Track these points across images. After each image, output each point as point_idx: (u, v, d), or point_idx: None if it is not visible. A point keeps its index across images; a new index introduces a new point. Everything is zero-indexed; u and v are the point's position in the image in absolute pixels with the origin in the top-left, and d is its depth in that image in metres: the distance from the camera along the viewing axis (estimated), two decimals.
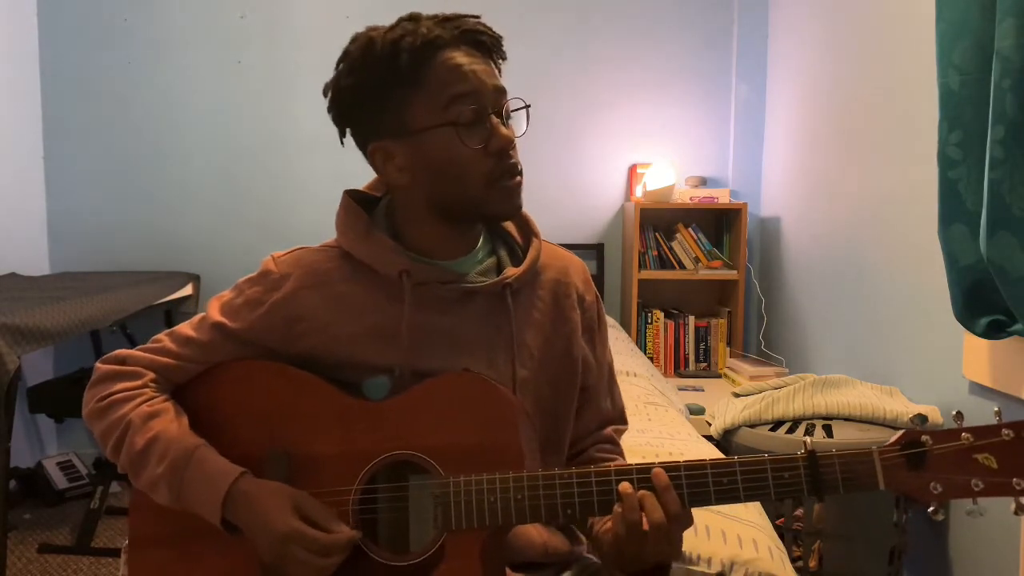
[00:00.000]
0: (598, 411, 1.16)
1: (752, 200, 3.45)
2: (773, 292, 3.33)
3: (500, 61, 1.03)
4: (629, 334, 3.26)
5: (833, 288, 2.78)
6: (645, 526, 0.89)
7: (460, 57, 0.98)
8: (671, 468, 0.92)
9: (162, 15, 3.43)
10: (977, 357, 1.87)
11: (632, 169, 3.49)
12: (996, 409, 0.88)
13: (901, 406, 2.06)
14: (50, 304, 2.32)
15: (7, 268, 3.10)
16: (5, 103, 3.20)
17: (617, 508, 0.90)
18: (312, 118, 3.41)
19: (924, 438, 0.87)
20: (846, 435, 2.00)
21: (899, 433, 0.89)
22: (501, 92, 1.01)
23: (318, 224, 3.34)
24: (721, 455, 1.87)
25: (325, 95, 1.05)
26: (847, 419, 2.06)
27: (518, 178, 1.02)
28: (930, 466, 0.86)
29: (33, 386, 2.94)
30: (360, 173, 1.14)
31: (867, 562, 1.93)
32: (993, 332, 1.71)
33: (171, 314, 3.29)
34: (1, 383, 2.04)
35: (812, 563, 1.95)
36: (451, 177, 0.99)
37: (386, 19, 1.06)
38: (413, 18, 1.00)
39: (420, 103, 0.98)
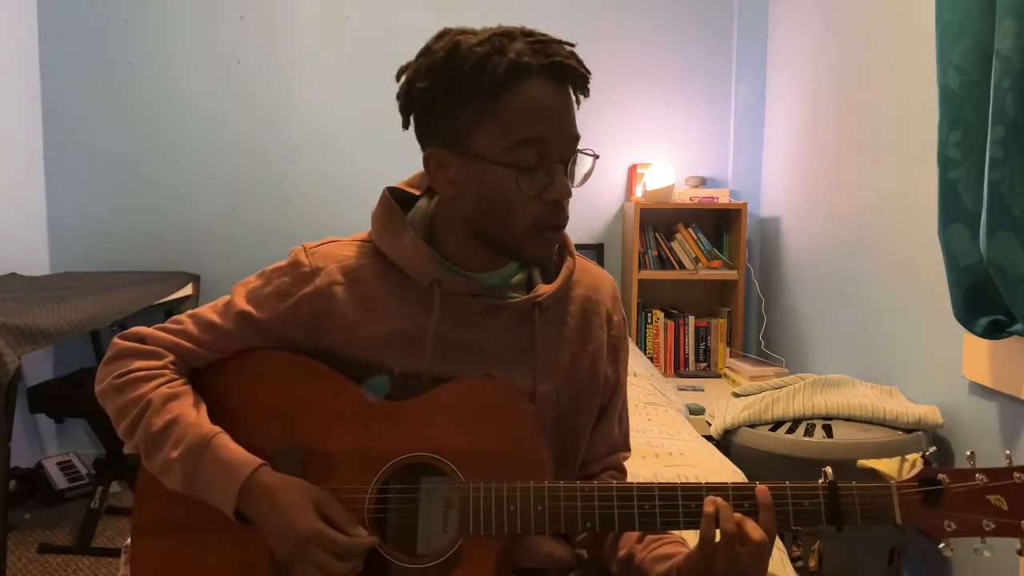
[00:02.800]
0: (609, 434, 1.15)
1: (752, 200, 3.45)
2: (773, 292, 3.33)
3: (583, 98, 0.99)
4: (629, 334, 3.26)
5: (833, 288, 2.78)
6: (738, 548, 0.87)
7: (541, 94, 0.94)
8: (692, 489, 0.91)
9: (162, 15, 3.43)
10: (977, 357, 1.87)
11: (632, 169, 3.49)
12: (1007, 452, 0.92)
13: (901, 406, 2.06)
14: (50, 304, 2.32)
15: (7, 268, 3.10)
16: (5, 103, 3.19)
17: (711, 524, 0.89)
18: (312, 118, 3.41)
19: (941, 476, 0.90)
20: (846, 435, 2.00)
21: (917, 470, 0.92)
22: (574, 140, 0.98)
23: (318, 223, 3.38)
24: (724, 457, 1.87)
25: (398, 80, 1.02)
26: (847, 419, 2.07)
27: (562, 231, 1.00)
28: (945, 504, 0.89)
29: (33, 386, 2.94)
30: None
31: (867, 562, 1.93)
32: (993, 332, 1.71)
33: (171, 314, 3.27)
34: (1, 383, 2.04)
35: (812, 563, 1.95)
36: (497, 212, 0.97)
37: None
38: (506, 34, 0.95)
39: (488, 131, 0.94)
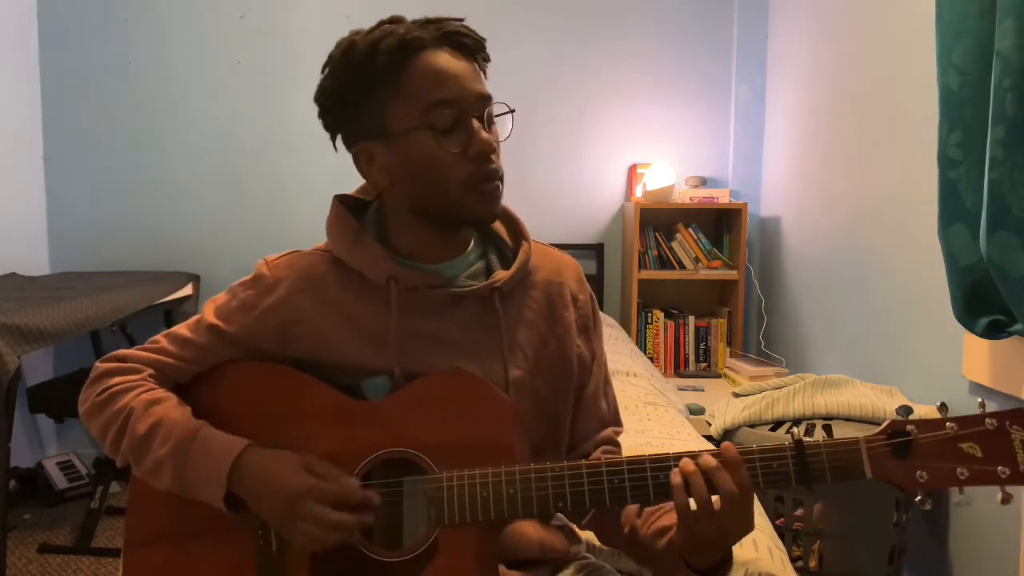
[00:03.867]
0: (596, 412, 1.15)
1: (752, 200, 3.45)
2: (773, 292, 3.33)
3: (485, 64, 1.02)
4: (629, 334, 3.26)
5: (833, 288, 2.78)
6: (716, 505, 0.88)
7: (440, 60, 0.97)
8: (660, 460, 0.92)
9: (162, 15, 3.43)
10: (977, 357, 1.87)
11: (632, 169, 3.49)
12: (980, 400, 0.90)
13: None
14: (50, 304, 2.32)
15: (7, 268, 3.11)
16: (5, 103, 3.20)
17: (681, 494, 0.89)
18: (312, 118, 3.37)
19: (909, 427, 0.88)
20: (846, 435, 2.00)
21: (885, 423, 0.90)
22: (484, 98, 1.00)
23: (318, 224, 3.34)
24: None
25: (316, 102, 1.06)
26: (847, 419, 2.07)
27: (497, 183, 1.01)
28: (916, 455, 0.88)
29: (33, 386, 2.93)
30: (359, 174, 1.14)
31: (867, 562, 1.93)
32: (993, 332, 1.70)
33: (171, 314, 3.29)
34: (1, 383, 2.04)
35: (812, 563, 1.95)
36: (430, 180, 0.99)
37: None
38: (395, 20, 1.00)
39: (398, 106, 0.98)
